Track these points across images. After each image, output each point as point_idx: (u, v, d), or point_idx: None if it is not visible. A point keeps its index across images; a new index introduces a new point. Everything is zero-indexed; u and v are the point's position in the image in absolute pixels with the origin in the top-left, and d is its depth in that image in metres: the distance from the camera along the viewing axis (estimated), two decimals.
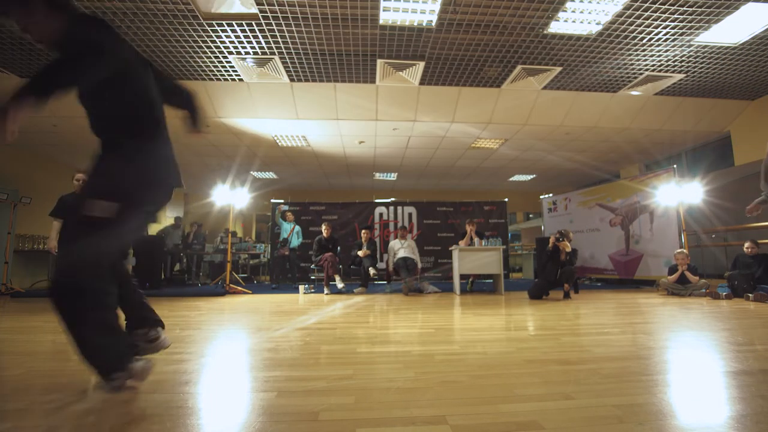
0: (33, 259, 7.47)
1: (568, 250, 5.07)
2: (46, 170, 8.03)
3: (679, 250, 5.42)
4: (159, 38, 4.54)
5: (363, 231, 6.66)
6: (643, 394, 1.32)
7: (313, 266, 6.78)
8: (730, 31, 4.47)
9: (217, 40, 4.60)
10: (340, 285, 5.85)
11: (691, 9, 4.07)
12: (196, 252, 8.60)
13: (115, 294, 1.37)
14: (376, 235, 8.23)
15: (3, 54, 4.82)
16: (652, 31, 4.50)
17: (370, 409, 1.22)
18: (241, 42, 4.65)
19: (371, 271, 5.86)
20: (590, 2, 3.99)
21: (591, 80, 5.71)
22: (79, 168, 4.26)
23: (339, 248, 6.57)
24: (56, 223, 4.00)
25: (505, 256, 7.62)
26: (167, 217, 10.94)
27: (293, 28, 4.40)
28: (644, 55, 5.03)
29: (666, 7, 4.04)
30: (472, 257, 5.65)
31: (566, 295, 4.89)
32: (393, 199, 8.79)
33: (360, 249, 6.36)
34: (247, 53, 4.90)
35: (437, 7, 4.05)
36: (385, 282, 7.49)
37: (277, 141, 7.45)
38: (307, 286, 6.34)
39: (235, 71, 5.32)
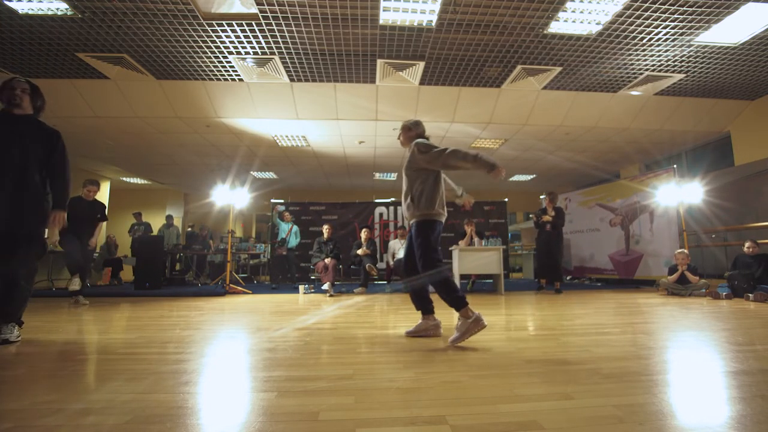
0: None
1: (549, 219, 5.87)
2: None
3: (679, 250, 5.42)
4: (159, 38, 4.54)
5: (363, 231, 6.66)
6: (643, 394, 1.32)
7: (312, 266, 6.76)
8: (730, 31, 4.47)
9: (217, 40, 4.60)
10: (329, 290, 5.69)
11: (691, 9, 4.07)
12: (196, 252, 8.60)
13: None
14: (376, 235, 8.23)
15: (3, 54, 4.82)
16: (652, 31, 4.50)
17: (370, 409, 1.22)
18: (241, 42, 4.65)
19: (368, 265, 5.86)
20: (590, 2, 3.99)
21: (591, 80, 5.71)
22: (85, 169, 4.44)
23: (340, 254, 6.42)
24: None
25: (505, 256, 7.61)
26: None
27: (293, 28, 4.40)
28: (644, 55, 5.03)
29: (666, 7, 4.04)
30: (472, 257, 5.65)
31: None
32: (393, 199, 8.78)
33: (359, 248, 6.36)
34: (247, 53, 4.90)
35: (437, 7, 4.05)
36: (385, 282, 7.48)
37: (277, 141, 7.45)
38: (307, 286, 6.34)
39: (235, 71, 5.32)
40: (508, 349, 2.05)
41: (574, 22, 4.33)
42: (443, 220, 2.47)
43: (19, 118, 2.29)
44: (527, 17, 4.25)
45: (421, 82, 5.70)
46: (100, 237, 9.01)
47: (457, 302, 2.25)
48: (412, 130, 2.66)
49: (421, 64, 5.19)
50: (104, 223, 4.92)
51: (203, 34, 4.49)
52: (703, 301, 4.47)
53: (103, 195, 10.01)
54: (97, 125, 6.45)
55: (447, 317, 3.31)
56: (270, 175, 10.16)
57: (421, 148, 2.40)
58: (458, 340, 2.19)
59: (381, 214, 8.47)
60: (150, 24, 4.28)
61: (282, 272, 7.43)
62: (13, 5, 3.97)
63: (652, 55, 5.03)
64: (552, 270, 5.91)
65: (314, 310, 3.87)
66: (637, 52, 4.96)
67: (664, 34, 4.57)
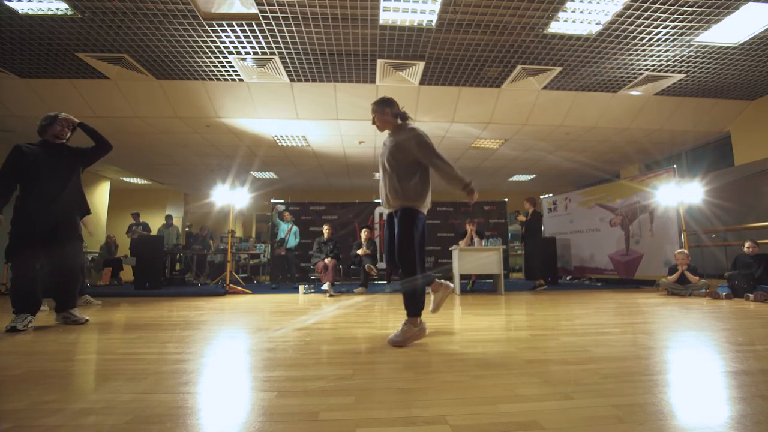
0: None
1: (522, 219, 6.35)
2: None
3: (679, 250, 5.42)
4: (159, 38, 4.54)
5: (363, 231, 6.66)
6: (643, 394, 1.32)
7: (312, 266, 6.77)
8: (730, 31, 4.47)
9: (217, 40, 4.60)
10: (329, 290, 5.70)
11: (691, 9, 4.07)
12: (196, 252, 8.60)
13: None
14: (376, 235, 8.23)
15: (3, 54, 4.82)
16: (652, 31, 4.50)
17: (370, 409, 1.22)
18: (241, 42, 4.65)
19: (368, 265, 5.87)
20: (590, 2, 3.99)
21: (591, 80, 5.71)
22: None
23: (340, 254, 6.42)
24: None
25: (505, 256, 7.62)
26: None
27: (293, 28, 4.40)
28: (644, 55, 5.03)
29: (666, 7, 4.04)
30: (472, 257, 5.65)
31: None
32: None
33: (359, 248, 6.36)
34: (247, 53, 4.90)
35: (437, 7, 4.05)
36: (385, 282, 7.49)
37: (277, 141, 7.45)
38: (307, 286, 6.34)
39: (235, 71, 5.32)
40: (508, 349, 2.05)
41: (574, 22, 4.33)
42: (426, 212, 2.29)
43: (59, 146, 2.96)
44: (527, 17, 4.25)
45: (421, 82, 5.70)
46: (99, 236, 9.00)
47: (417, 312, 2.18)
48: (387, 111, 2.27)
49: (421, 64, 5.19)
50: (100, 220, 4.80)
51: (203, 34, 4.49)
52: (703, 301, 4.47)
53: (103, 195, 10.01)
54: (97, 125, 6.33)
55: (444, 319, 3.31)
56: (270, 175, 10.16)
57: (422, 145, 2.19)
58: (398, 342, 2.12)
59: (381, 214, 8.46)
60: (150, 24, 4.28)
61: (282, 272, 7.43)
62: (13, 5, 3.97)
63: (652, 55, 5.03)
64: (534, 271, 6.58)
65: (314, 310, 3.87)
66: (637, 52, 4.96)
67: (664, 34, 4.57)
